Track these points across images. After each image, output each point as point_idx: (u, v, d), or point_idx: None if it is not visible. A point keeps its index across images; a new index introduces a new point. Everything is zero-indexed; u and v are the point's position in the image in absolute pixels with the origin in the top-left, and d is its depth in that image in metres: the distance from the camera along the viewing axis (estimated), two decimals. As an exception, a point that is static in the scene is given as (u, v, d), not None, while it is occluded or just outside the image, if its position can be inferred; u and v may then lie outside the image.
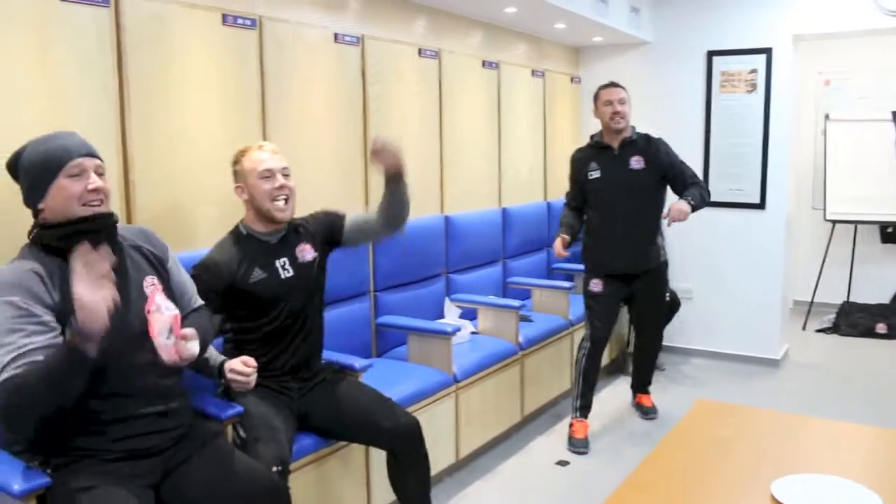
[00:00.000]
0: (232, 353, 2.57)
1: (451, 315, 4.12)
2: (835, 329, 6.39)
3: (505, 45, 4.85)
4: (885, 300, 6.62)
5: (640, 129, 4.12)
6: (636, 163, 3.99)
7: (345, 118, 3.54)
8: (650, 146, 4.04)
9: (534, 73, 5.07)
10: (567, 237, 4.07)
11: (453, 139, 4.27)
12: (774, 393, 4.91)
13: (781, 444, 2.45)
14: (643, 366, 4.50)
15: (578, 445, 3.98)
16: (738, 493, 2.12)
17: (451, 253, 4.26)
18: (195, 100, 2.85)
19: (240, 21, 3.00)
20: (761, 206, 5.31)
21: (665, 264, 4.29)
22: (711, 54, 5.32)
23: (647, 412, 4.46)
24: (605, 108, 3.98)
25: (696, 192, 3.97)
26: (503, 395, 3.95)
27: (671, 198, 4.02)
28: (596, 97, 4.08)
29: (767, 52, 5.14)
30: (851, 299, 6.63)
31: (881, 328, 6.24)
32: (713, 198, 5.31)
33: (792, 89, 5.26)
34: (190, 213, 2.86)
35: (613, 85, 4.05)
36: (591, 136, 4.16)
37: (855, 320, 6.34)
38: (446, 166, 4.22)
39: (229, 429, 2.49)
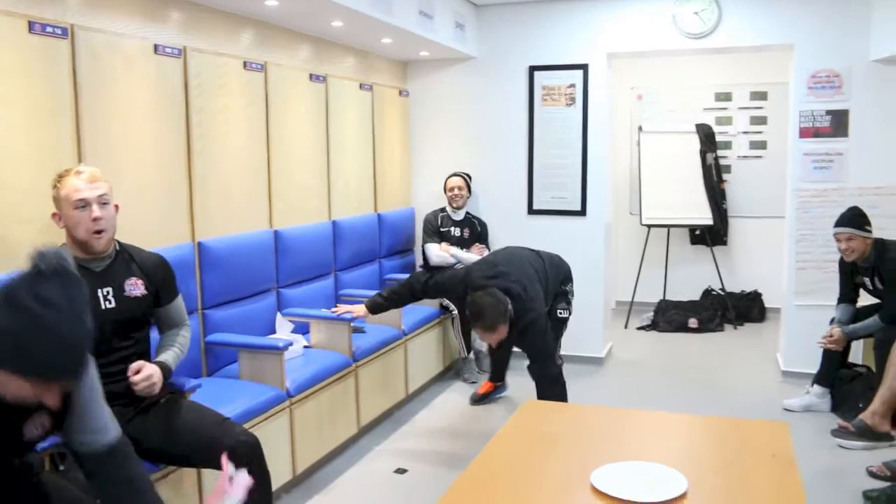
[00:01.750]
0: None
1: (283, 330, 4.09)
2: (653, 326, 6.85)
3: (333, 59, 4.87)
4: (696, 297, 7.18)
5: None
6: None
7: (167, 132, 3.43)
8: None
9: (362, 86, 5.12)
10: None
11: (281, 153, 4.24)
12: (600, 389, 5.21)
13: (602, 437, 2.63)
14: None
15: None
16: (562, 485, 2.26)
17: (282, 267, 4.23)
18: (-3, 115, 2.68)
19: (49, 29, 2.84)
20: (582, 213, 5.62)
21: None
22: (533, 69, 5.58)
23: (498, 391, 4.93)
24: None
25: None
26: (338, 407, 3.96)
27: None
28: None
29: (584, 67, 5.46)
30: (667, 297, 7.14)
31: (693, 323, 6.75)
32: (539, 206, 5.63)
33: (607, 103, 5.61)
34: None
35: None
36: None
37: (670, 317, 6.83)
38: (274, 180, 4.18)
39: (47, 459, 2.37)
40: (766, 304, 7.04)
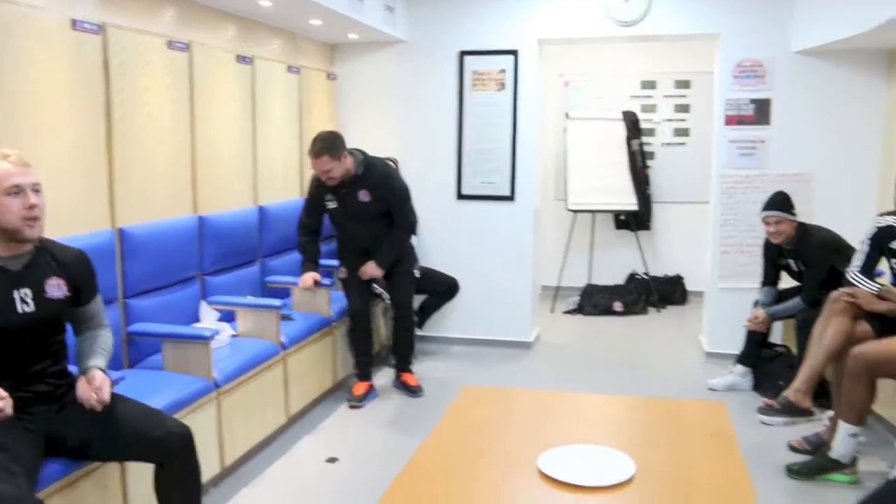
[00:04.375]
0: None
1: (209, 318, 3.96)
2: (579, 310, 6.94)
3: (260, 40, 4.73)
4: (621, 281, 7.30)
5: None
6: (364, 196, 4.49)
7: (86, 113, 3.25)
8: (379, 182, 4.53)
9: (290, 69, 4.99)
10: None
11: (206, 136, 4.09)
12: (530, 373, 5.24)
13: (544, 421, 2.63)
14: (402, 342, 4.79)
15: (354, 399, 4.53)
16: (509, 471, 2.25)
17: (206, 254, 4.09)
18: None
19: (-46, 2, 2.66)
20: (511, 198, 5.62)
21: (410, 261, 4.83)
22: (463, 54, 5.54)
23: (414, 391, 4.72)
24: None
25: (389, 246, 4.59)
26: (267, 396, 3.87)
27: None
28: None
29: (515, 53, 5.45)
30: (592, 282, 7.24)
31: (618, 306, 6.87)
32: (468, 191, 5.60)
33: (537, 89, 5.61)
34: None
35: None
36: None
37: (596, 301, 6.93)
38: (199, 164, 4.03)
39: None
40: (688, 288, 7.21)
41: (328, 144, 4.28)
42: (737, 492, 2.11)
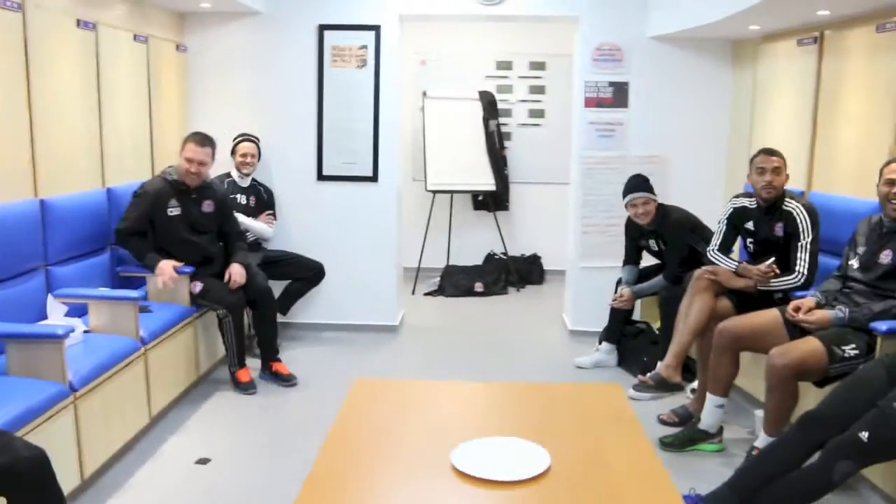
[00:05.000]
0: None
1: (57, 314, 3.56)
2: (440, 291, 6.91)
3: (103, 4, 4.28)
4: (479, 261, 7.34)
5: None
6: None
7: None
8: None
9: (136, 37, 4.56)
10: None
11: (45, 110, 3.65)
12: (400, 357, 5.15)
13: (445, 414, 2.53)
14: (267, 331, 4.61)
15: (246, 387, 4.36)
16: (423, 469, 2.14)
17: (50, 242, 3.67)
18: None
19: None
20: (374, 179, 5.47)
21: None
22: (323, 28, 5.30)
23: (288, 379, 4.53)
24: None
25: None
26: (128, 397, 3.53)
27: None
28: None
29: (376, 29, 5.27)
30: (452, 263, 7.23)
31: (479, 287, 6.90)
32: (329, 172, 5.40)
33: (398, 67, 5.47)
34: None
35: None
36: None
37: (457, 281, 6.92)
38: (38, 142, 3.60)
39: None
40: (546, 267, 7.35)
41: (210, 138, 4.30)
42: (652, 476, 2.11)
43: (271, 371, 4.56)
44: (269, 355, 4.60)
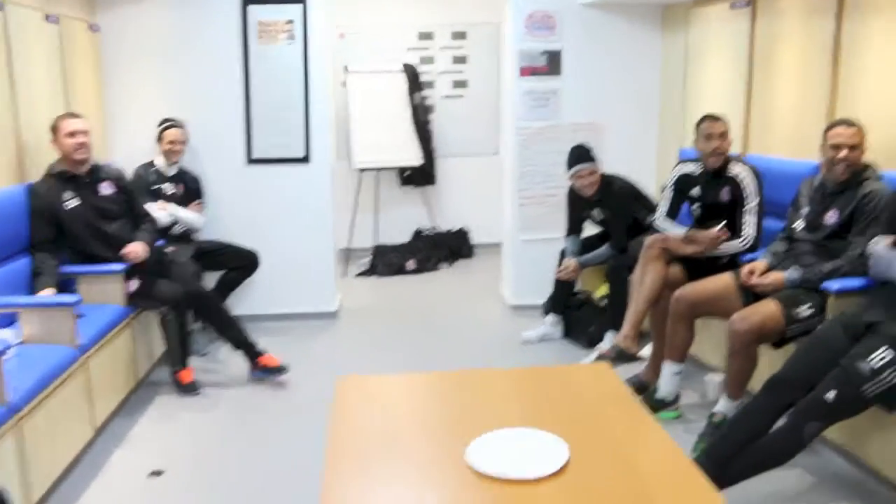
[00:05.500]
0: None
1: (-19, 326, 3.27)
2: (372, 270, 6.75)
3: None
4: (408, 239, 7.21)
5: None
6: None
7: None
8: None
9: (47, 17, 4.18)
10: None
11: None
12: (343, 344, 5.01)
13: (443, 407, 2.42)
14: (231, 332, 4.34)
15: (190, 388, 4.12)
16: (436, 466, 2.02)
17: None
18: None
19: None
20: (306, 160, 5.26)
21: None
22: (247, 3, 5.00)
23: (280, 370, 4.30)
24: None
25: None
26: (71, 411, 3.27)
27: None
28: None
29: (303, 2, 5.02)
30: (381, 242, 7.08)
31: (411, 265, 6.78)
32: (259, 155, 5.16)
33: (327, 41, 5.24)
34: None
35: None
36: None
37: (388, 260, 6.78)
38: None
39: None
40: (475, 241, 7.28)
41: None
42: (677, 466, 2.05)
43: (260, 368, 4.29)
44: (251, 351, 4.31)
